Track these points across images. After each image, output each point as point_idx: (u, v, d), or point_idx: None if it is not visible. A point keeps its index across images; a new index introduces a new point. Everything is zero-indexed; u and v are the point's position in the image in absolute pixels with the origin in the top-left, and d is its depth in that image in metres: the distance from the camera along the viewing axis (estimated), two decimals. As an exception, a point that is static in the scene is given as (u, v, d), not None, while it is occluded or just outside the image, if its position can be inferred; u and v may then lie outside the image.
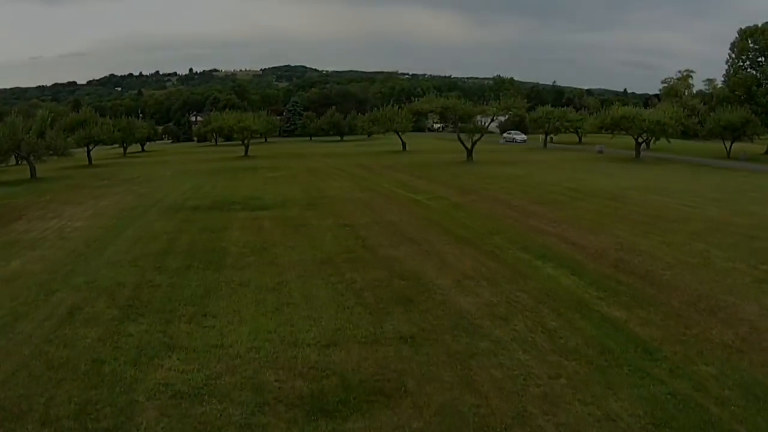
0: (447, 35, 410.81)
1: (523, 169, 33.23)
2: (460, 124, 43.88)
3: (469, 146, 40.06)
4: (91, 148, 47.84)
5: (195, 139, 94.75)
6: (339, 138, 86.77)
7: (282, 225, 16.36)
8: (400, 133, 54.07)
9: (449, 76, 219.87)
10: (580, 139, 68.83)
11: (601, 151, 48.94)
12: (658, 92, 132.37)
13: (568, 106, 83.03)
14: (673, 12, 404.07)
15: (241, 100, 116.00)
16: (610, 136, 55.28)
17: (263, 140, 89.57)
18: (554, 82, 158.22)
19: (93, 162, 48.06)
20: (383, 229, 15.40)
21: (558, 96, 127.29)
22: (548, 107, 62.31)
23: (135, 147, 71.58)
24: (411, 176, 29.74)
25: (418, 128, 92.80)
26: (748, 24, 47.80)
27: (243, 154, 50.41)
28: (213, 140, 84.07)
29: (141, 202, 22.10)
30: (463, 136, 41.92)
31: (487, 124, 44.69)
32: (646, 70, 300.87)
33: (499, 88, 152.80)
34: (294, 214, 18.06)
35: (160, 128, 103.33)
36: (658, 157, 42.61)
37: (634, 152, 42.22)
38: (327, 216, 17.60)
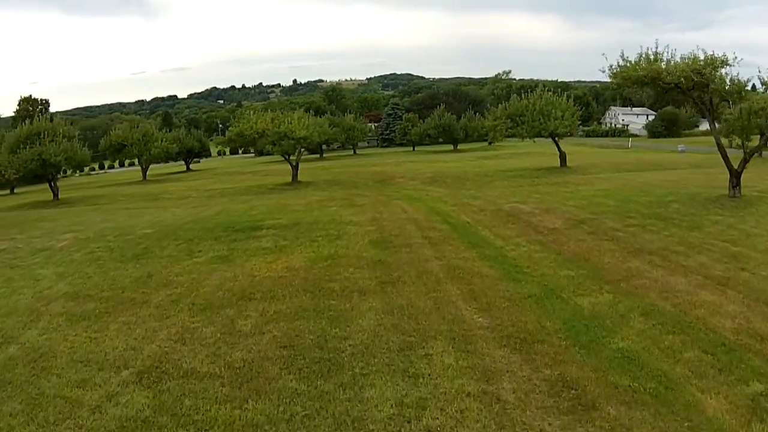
0: (548, 40, 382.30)
1: None
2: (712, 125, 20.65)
3: (737, 164, 17.20)
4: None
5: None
6: (452, 147, 64.75)
7: None
8: (557, 139, 31.43)
9: (556, 80, 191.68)
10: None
11: None
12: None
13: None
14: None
15: (329, 104, 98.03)
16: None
17: (351, 152, 71.34)
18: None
19: (59, 196, 31.14)
20: None
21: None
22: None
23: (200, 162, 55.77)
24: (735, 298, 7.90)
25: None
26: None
27: (291, 179, 30.48)
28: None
29: None
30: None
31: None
32: (745, 68, 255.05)
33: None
34: None
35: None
36: None
37: None
38: None
